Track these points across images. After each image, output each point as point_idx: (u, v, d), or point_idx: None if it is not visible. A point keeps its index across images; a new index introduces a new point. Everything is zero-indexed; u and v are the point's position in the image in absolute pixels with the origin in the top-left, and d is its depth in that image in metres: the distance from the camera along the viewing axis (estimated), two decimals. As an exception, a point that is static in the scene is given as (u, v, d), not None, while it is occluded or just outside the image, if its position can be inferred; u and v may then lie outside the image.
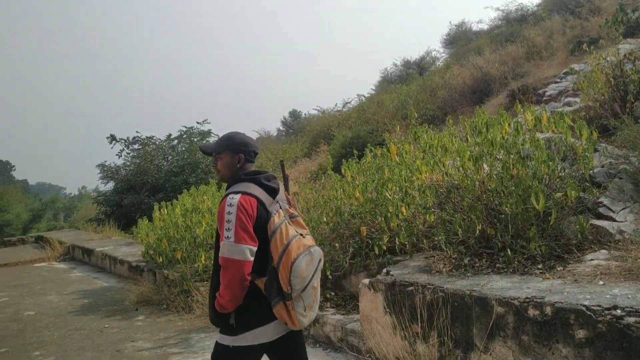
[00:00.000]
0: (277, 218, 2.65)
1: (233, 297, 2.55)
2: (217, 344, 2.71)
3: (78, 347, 5.87)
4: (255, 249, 2.56)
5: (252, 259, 2.54)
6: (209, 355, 5.19)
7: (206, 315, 6.55)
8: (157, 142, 19.73)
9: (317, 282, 2.74)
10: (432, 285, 4.11)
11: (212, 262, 2.78)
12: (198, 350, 5.43)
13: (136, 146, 19.44)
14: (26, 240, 18.40)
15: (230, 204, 2.56)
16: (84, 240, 14.08)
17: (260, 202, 2.64)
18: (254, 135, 33.82)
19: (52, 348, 5.89)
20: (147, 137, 19.66)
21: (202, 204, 8.36)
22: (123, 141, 19.44)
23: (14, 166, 78.68)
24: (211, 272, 2.81)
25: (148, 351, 5.54)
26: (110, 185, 19.84)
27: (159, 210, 9.39)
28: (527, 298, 3.47)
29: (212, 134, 19.66)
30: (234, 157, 2.78)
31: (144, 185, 18.01)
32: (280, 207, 2.72)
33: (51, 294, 9.05)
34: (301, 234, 2.69)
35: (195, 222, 7.88)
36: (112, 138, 19.49)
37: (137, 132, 20.81)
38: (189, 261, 7.60)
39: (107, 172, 19.43)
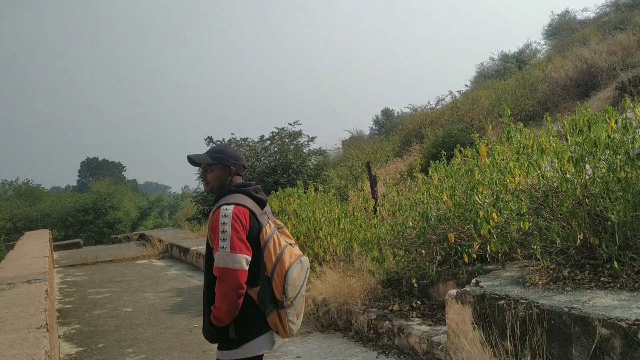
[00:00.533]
0: (269, 228, 2.73)
1: (230, 307, 2.55)
2: None
3: (167, 346, 6.02)
4: (250, 258, 2.60)
5: (247, 268, 2.57)
6: (290, 361, 5.14)
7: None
8: (251, 144, 20.21)
9: (304, 290, 2.80)
10: (526, 299, 3.75)
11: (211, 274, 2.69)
12: (280, 355, 5.37)
13: (231, 148, 20.01)
14: (131, 237, 19.53)
15: (225, 215, 2.60)
16: (180, 239, 14.68)
17: (252, 213, 2.68)
18: (345, 135, 33.83)
19: (144, 346, 6.08)
20: (241, 138, 20.20)
21: (289, 206, 8.34)
22: (219, 143, 20.07)
23: (124, 167, 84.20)
24: (206, 287, 2.75)
25: (232, 354, 5.56)
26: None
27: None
28: (637, 320, 3.05)
29: (303, 135, 19.83)
30: (225, 170, 2.81)
31: (238, 185, 18.49)
32: (269, 218, 2.81)
33: (148, 291, 9.45)
34: (290, 244, 2.77)
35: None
36: (209, 140, 20.20)
37: (232, 134, 21.43)
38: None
39: (203, 172, 20.15)
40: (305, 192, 9.05)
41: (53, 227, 43.56)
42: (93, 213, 44.59)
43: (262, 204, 2.80)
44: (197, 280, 10.19)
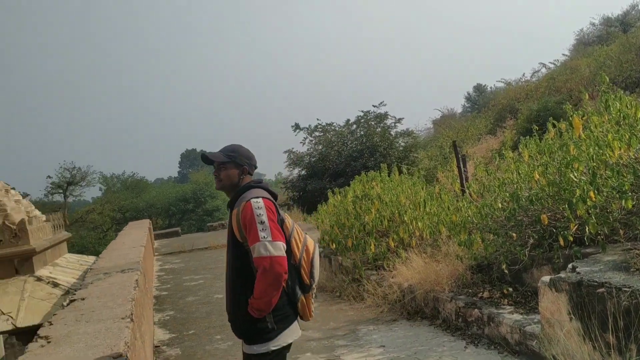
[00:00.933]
0: (289, 219, 2.88)
1: (273, 296, 2.64)
2: (254, 356, 2.74)
3: (254, 333, 6.08)
4: (285, 246, 2.70)
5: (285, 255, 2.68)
6: (374, 351, 5.00)
7: (376, 305, 6.36)
8: (337, 128, 20.17)
9: None
10: (630, 287, 3.34)
11: (250, 268, 2.74)
12: (364, 344, 5.25)
13: (317, 133, 20.08)
14: (225, 225, 20.19)
15: (259, 207, 2.69)
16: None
17: (275, 206, 2.81)
18: (436, 114, 32.94)
19: (232, 333, 6.17)
20: (327, 123, 20.20)
21: (372, 190, 8.16)
22: (306, 129, 20.20)
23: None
24: (233, 282, 2.82)
25: (316, 342, 5.51)
26: (297, 171, 20.86)
27: (333, 196, 9.44)
28: None
29: (389, 116, 19.48)
30: (238, 169, 2.88)
31: (325, 170, 18.53)
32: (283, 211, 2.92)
33: (239, 277, 9.66)
34: (305, 232, 2.96)
35: (364, 209, 7.72)
36: (297, 126, 20.40)
37: (317, 119, 21.49)
38: (359, 249, 7.47)
39: (292, 159, 20.41)
40: (388, 176, 8.83)
41: (157, 216, 46.22)
42: (193, 202, 46.86)
43: (275, 197, 2.92)
44: (286, 267, 10.30)
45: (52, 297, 8.03)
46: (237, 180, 2.88)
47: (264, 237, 2.62)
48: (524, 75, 26.99)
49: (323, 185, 17.41)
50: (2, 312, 7.99)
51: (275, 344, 2.71)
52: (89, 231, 38.06)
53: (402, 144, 19.58)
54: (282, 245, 2.64)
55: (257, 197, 2.72)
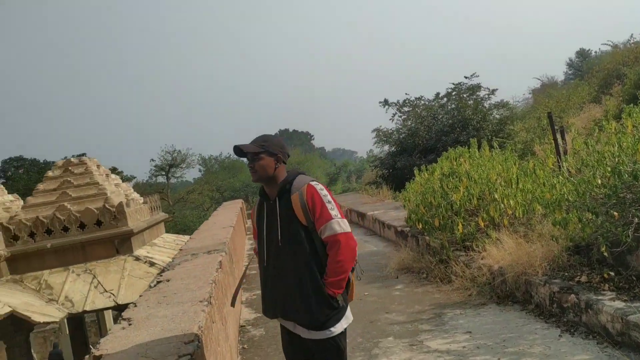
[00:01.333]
0: None
1: (348, 272, 2.74)
2: (330, 340, 2.73)
3: (337, 314, 6.03)
4: None
5: None
6: (460, 337, 4.77)
7: (464, 288, 6.08)
8: (427, 102, 19.58)
9: None
10: None
11: (308, 254, 2.77)
12: (449, 329, 5.02)
13: (406, 108, 19.62)
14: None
15: (321, 189, 2.78)
16: (359, 204, 14.82)
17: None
18: (535, 83, 31.10)
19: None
20: (415, 98, 19.68)
21: (460, 167, 7.78)
22: (394, 105, 19.80)
23: (313, 136, 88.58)
24: (306, 267, 2.75)
25: (399, 325, 5.36)
26: (386, 148, 20.56)
27: (419, 174, 9.15)
28: None
29: (482, 88, 18.60)
30: (272, 158, 2.82)
31: (415, 147, 18.10)
32: None
33: (326, 257, 9.66)
34: None
35: (451, 187, 7.38)
36: (385, 102, 20.06)
37: (406, 94, 20.99)
38: (447, 229, 7.17)
39: (381, 136, 20.12)
40: (479, 151, 8.38)
41: (253, 195, 47.71)
42: (286, 181, 47.90)
43: None
44: (373, 246, 10.17)
45: (148, 275, 8.45)
46: (273, 170, 2.83)
47: (335, 215, 2.72)
48: (632, 36, 24.68)
49: (412, 161, 16.99)
50: (105, 289, 8.53)
51: (347, 322, 2.82)
52: (191, 210, 40.08)
53: (497, 116, 18.65)
54: (347, 223, 2.78)
55: (315, 180, 2.80)
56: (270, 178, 2.84)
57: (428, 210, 7.68)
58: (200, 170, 51.97)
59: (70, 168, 10.04)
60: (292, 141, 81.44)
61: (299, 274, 2.73)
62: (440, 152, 16.59)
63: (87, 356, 2.58)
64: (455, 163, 8.01)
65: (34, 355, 10.58)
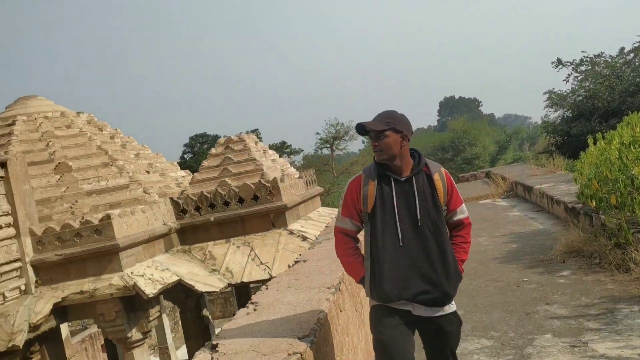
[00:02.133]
0: None
1: None
2: (455, 312, 2.75)
3: (489, 302, 5.49)
4: None
5: None
6: (636, 341, 3.99)
7: (646, 279, 5.14)
8: (608, 60, 17.23)
9: None
10: None
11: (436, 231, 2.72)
12: (623, 330, 4.22)
13: (583, 67, 17.49)
14: (478, 176, 19.24)
15: (450, 175, 2.85)
16: (525, 176, 13.60)
17: None
18: None
19: (465, 300, 5.69)
20: (594, 55, 17.42)
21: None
22: (569, 64, 17.79)
23: (481, 102, 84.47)
24: (447, 245, 2.72)
25: (560, 320, 4.66)
26: (560, 113, 18.65)
27: (594, 143, 7.98)
28: None
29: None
30: (398, 136, 2.68)
31: (594, 110, 16.09)
32: None
33: (483, 235, 8.98)
34: None
35: (632, 159, 6.26)
36: (558, 62, 18.12)
37: (582, 52, 18.70)
38: (626, 208, 6.12)
39: (554, 99, 18.28)
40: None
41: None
42: (451, 150, 46.36)
43: None
44: (539, 224, 9.20)
45: (301, 249, 8.56)
46: (399, 149, 2.68)
47: (463, 199, 2.89)
48: None
49: (591, 127, 15.08)
50: (261, 261, 8.86)
51: None
52: (356, 182, 40.64)
53: None
54: None
55: (441, 167, 2.84)
56: (397, 157, 2.71)
57: (603, 186, 6.64)
58: (363, 142, 52.53)
59: (230, 145, 10.58)
60: (457, 108, 78.64)
61: (442, 250, 2.69)
62: (625, 115, 14.58)
63: (207, 342, 2.64)
64: (637, 130, 6.78)
65: (209, 316, 11.48)
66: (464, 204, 2.83)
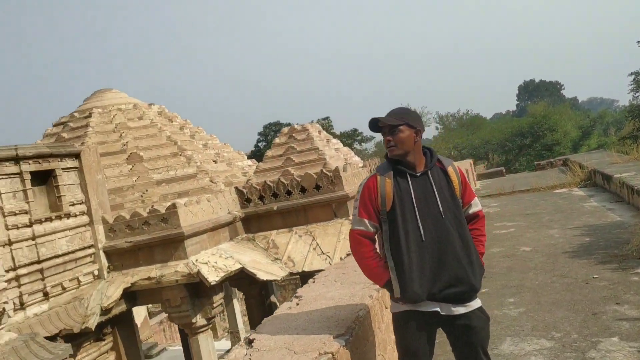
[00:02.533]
0: None
1: None
2: (482, 307, 2.72)
3: (553, 300, 5.19)
4: None
5: None
6: None
7: None
8: None
9: None
10: None
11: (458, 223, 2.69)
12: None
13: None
14: (555, 163, 18.28)
15: (461, 169, 2.87)
16: (605, 164, 12.78)
17: None
18: None
19: (527, 296, 5.42)
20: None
21: None
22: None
23: (563, 85, 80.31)
24: (470, 239, 2.70)
25: (629, 322, 4.33)
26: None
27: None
28: None
29: None
30: (411, 132, 2.68)
31: (686, 92, 14.84)
32: None
33: (555, 227, 8.52)
34: None
35: None
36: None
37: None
38: None
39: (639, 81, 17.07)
40: None
41: (493, 152, 45.50)
42: (530, 136, 44.42)
43: None
44: (616, 216, 8.61)
45: (361, 240, 8.49)
46: (413, 144, 2.69)
47: (475, 193, 2.93)
48: None
49: (682, 111, 13.99)
50: (322, 251, 8.86)
51: None
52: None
53: None
54: None
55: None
56: (410, 152, 2.71)
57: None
58: (437, 128, 51.43)
59: (293, 135, 10.62)
60: (538, 92, 75.18)
61: (465, 244, 2.66)
62: None
63: (244, 337, 2.67)
64: None
65: (277, 302, 11.68)
66: (477, 197, 2.88)
